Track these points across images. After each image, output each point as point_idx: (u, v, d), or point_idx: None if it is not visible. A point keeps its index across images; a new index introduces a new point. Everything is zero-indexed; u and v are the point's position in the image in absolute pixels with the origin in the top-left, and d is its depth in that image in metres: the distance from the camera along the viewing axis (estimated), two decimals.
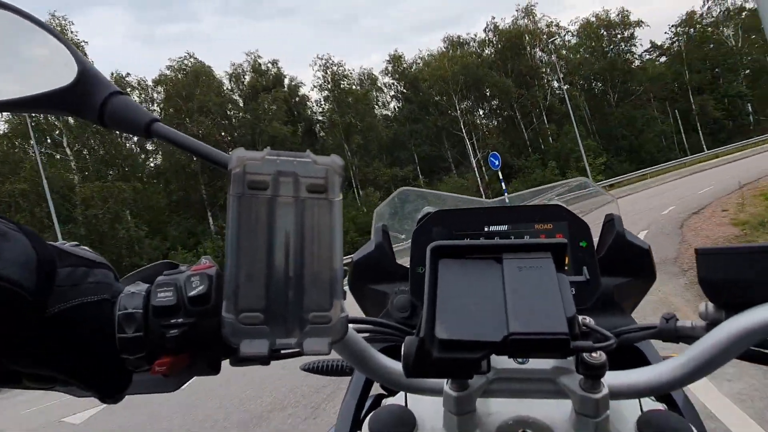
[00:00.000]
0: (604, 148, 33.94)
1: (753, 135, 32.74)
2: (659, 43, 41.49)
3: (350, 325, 0.47)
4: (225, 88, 33.22)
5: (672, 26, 40.65)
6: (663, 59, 41.29)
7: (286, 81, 36.07)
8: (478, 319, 0.35)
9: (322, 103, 36.42)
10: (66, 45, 0.41)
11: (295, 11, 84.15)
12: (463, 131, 34.75)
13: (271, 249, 0.34)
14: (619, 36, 39.18)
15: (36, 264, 0.33)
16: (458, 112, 34.90)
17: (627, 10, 38.94)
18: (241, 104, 33.20)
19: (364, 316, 0.81)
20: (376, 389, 0.68)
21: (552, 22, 39.05)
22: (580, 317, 0.42)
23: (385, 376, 0.48)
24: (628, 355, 0.62)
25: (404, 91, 38.40)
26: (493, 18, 48.83)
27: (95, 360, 0.36)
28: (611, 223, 0.75)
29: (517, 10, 39.97)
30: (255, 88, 33.29)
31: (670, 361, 0.45)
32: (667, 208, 11.02)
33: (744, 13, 37.35)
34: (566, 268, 0.64)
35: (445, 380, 0.46)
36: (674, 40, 40.70)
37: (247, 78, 34.39)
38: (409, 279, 0.70)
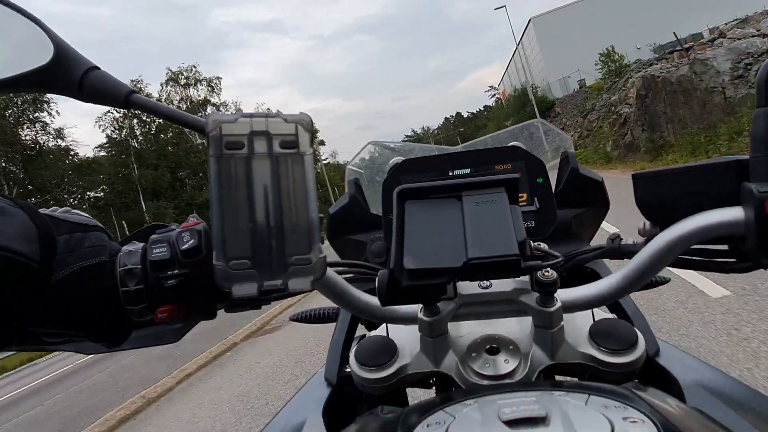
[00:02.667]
0: None
1: None
2: None
3: (330, 268, 0.51)
4: None
5: None
6: None
7: None
8: (441, 250, 0.38)
9: None
10: (40, 25, 0.42)
11: None
12: None
13: (252, 203, 0.36)
14: None
15: (37, 235, 0.36)
16: None
17: None
18: None
19: None
20: (360, 331, 0.74)
21: None
22: (534, 243, 0.47)
23: (365, 310, 0.52)
24: (586, 277, 0.68)
25: None
26: None
27: (101, 315, 0.40)
28: (566, 159, 0.81)
29: None
30: None
31: (614, 275, 0.50)
32: None
33: None
34: (524, 202, 0.69)
35: (419, 308, 0.51)
36: None
37: None
38: (383, 226, 0.73)
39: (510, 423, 0.31)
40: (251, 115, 0.37)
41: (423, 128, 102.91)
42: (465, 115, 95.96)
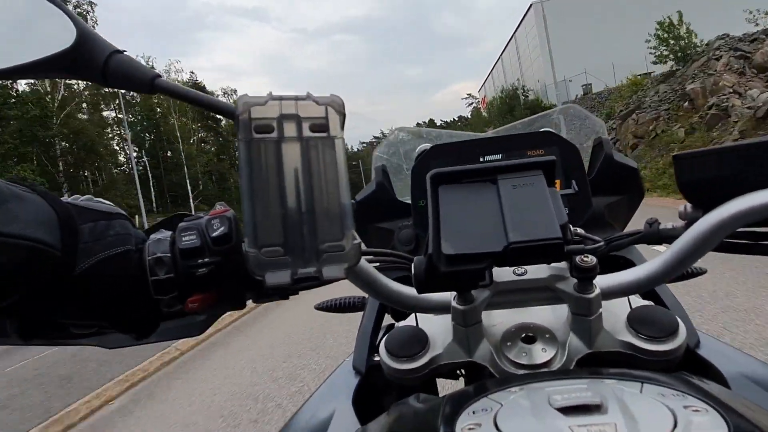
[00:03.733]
0: None
1: None
2: None
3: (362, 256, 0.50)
4: None
5: None
6: None
7: None
8: (479, 234, 0.37)
9: None
10: (63, 9, 0.42)
11: None
12: None
13: (283, 188, 0.36)
14: None
15: (57, 222, 0.35)
16: None
17: None
18: None
19: None
20: (387, 320, 0.72)
21: None
22: (572, 227, 0.45)
23: (396, 300, 0.51)
24: (620, 266, 0.65)
25: None
26: None
27: (129, 305, 0.39)
28: (600, 145, 0.78)
29: None
30: None
31: (653, 261, 0.48)
32: None
33: None
34: (559, 188, 0.67)
35: (452, 297, 0.49)
36: None
37: None
38: (412, 213, 0.72)
39: (564, 410, 0.29)
40: (281, 98, 0.36)
41: (390, 129, 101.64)
42: (438, 123, 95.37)
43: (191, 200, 34.60)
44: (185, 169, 36.18)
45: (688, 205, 0.49)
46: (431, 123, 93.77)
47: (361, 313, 0.74)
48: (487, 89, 52.26)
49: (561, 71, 32.47)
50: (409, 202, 0.75)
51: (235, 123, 0.36)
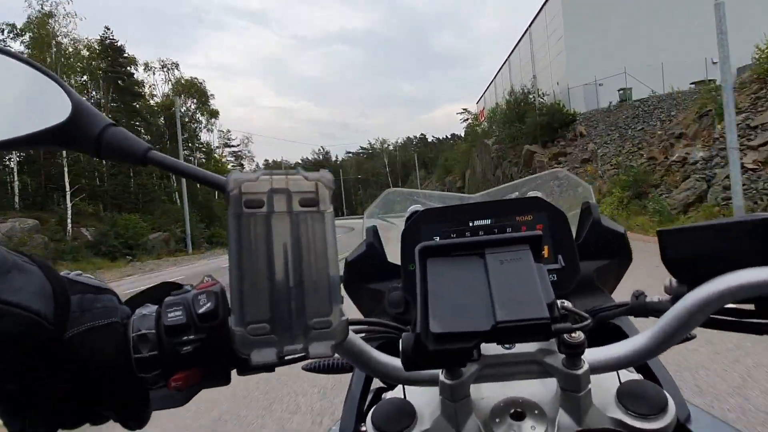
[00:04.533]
0: None
1: None
2: None
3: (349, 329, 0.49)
4: None
5: None
6: None
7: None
8: (467, 312, 0.38)
9: None
10: (58, 83, 0.42)
11: None
12: None
13: (271, 262, 0.36)
14: None
15: (52, 294, 0.36)
16: None
17: None
18: None
19: (360, 314, 0.84)
20: (376, 383, 0.72)
21: None
22: (559, 301, 0.46)
23: (384, 372, 0.50)
24: (609, 332, 0.66)
25: None
26: None
27: (113, 382, 0.38)
28: (588, 210, 0.80)
29: None
30: None
31: (641, 335, 0.48)
32: None
33: None
34: (546, 256, 0.68)
35: (440, 370, 0.49)
36: None
37: None
38: (402, 276, 0.72)
39: None
40: (271, 173, 0.37)
41: (377, 139, 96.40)
42: (430, 139, 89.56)
43: (68, 200, 23.51)
44: (64, 154, 24.66)
45: (674, 280, 0.50)
46: (423, 139, 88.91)
47: (350, 375, 0.73)
48: (487, 100, 43.96)
49: (589, 72, 24.69)
50: (399, 263, 0.75)
51: (225, 198, 0.36)
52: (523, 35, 34.32)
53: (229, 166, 42.43)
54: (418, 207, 0.83)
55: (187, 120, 36.54)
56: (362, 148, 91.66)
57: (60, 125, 0.41)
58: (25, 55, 0.44)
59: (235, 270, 0.35)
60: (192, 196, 29.65)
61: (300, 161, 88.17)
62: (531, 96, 27.08)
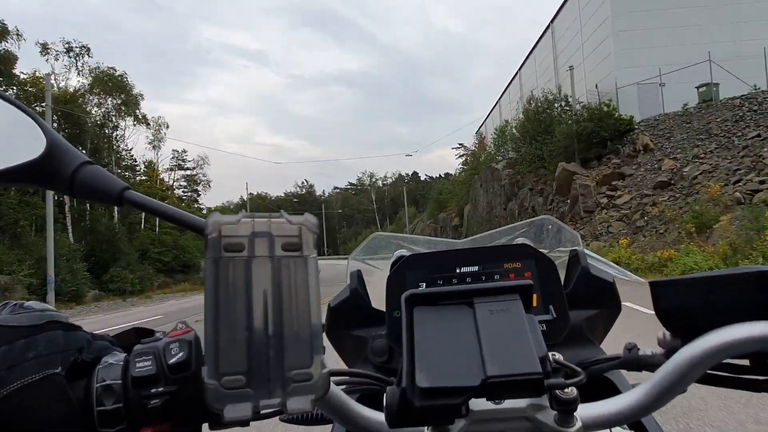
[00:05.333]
0: None
1: None
2: None
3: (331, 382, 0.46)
4: None
5: None
6: None
7: None
8: (455, 366, 0.36)
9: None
10: (33, 118, 0.41)
11: None
12: None
13: (250, 310, 0.34)
14: None
15: None
16: None
17: None
18: None
19: (341, 361, 0.82)
20: None
21: None
22: (550, 354, 0.44)
23: (366, 427, 0.47)
24: (600, 384, 0.63)
25: None
26: None
27: None
28: (576, 258, 0.78)
29: None
30: None
31: (635, 390, 0.46)
32: None
33: None
34: (535, 305, 0.66)
35: (426, 427, 0.46)
36: None
37: None
38: (386, 323, 0.70)
39: None
40: (253, 216, 0.35)
41: (364, 172, 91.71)
42: (423, 178, 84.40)
43: None
44: None
45: (667, 333, 0.49)
46: (415, 175, 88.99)
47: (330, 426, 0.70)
48: (488, 128, 38.49)
49: (644, 67, 18.45)
50: (384, 309, 0.73)
51: (204, 241, 0.34)
52: (543, 34, 28.37)
53: (178, 191, 36.69)
54: (404, 252, 0.82)
55: (101, 122, 29.90)
56: (350, 183, 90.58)
57: (34, 161, 0.39)
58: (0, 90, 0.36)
59: (211, 317, 0.33)
60: (79, 222, 22.42)
61: (283, 194, 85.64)
62: (558, 105, 20.07)
